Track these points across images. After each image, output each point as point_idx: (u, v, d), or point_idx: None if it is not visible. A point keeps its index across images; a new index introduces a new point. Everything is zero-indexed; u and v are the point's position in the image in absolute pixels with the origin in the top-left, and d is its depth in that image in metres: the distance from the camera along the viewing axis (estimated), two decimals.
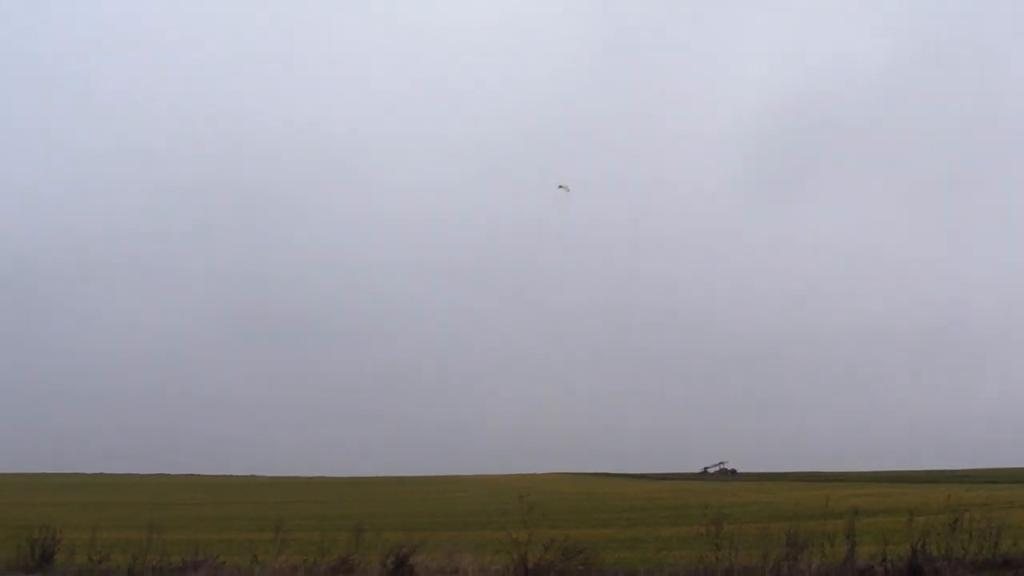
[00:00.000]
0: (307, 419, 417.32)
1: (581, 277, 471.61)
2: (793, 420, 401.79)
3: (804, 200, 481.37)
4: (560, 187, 75.01)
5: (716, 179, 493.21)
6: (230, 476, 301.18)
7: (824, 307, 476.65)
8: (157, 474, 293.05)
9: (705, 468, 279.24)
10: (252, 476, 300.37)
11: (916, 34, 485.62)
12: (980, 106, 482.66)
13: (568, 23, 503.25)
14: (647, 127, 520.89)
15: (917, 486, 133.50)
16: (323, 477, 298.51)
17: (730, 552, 35.99)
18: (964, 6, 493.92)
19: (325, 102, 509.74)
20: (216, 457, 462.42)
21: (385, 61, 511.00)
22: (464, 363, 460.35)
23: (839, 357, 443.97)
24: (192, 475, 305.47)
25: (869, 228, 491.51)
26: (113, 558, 41.17)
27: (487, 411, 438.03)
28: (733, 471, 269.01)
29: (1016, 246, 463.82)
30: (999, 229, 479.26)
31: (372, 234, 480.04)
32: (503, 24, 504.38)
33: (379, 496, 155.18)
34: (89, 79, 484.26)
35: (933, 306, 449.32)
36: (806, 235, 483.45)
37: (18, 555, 41.53)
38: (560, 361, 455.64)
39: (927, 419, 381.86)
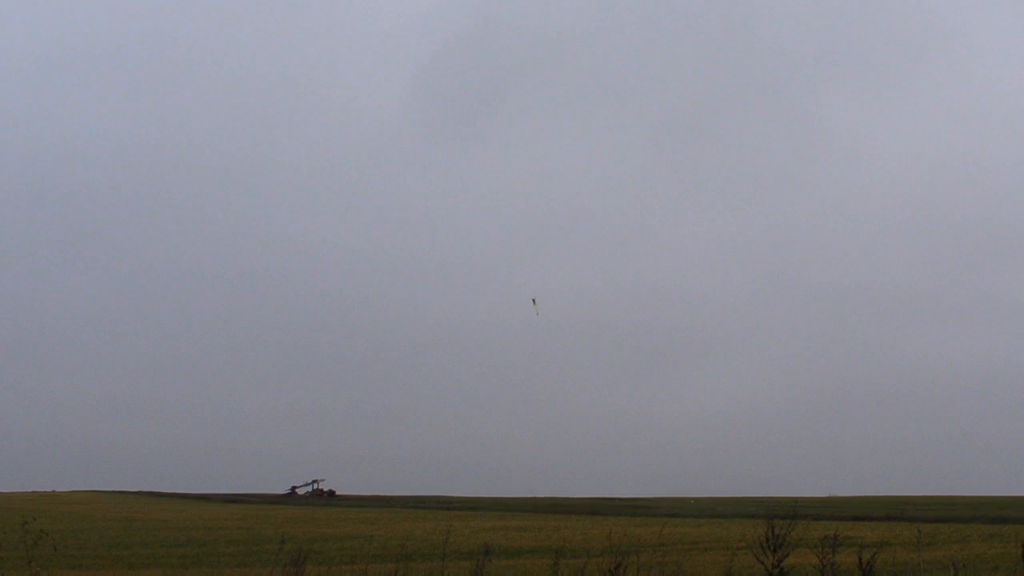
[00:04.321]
0: None
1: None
2: (418, 431, 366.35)
3: (487, 140, 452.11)
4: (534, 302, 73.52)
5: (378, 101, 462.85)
6: None
7: (484, 288, 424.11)
8: None
9: (294, 488, 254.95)
10: None
11: None
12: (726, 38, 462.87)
13: None
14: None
15: (571, 518, 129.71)
16: None
17: None
18: None
19: None
20: None
21: None
22: None
23: (497, 354, 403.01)
24: None
25: (564, 184, 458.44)
26: None
27: None
28: (331, 493, 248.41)
29: (751, 213, 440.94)
30: (731, 193, 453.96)
31: None
32: None
33: None
34: None
35: (636, 295, 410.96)
36: (482, 186, 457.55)
37: None
38: (97, 350, 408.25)
39: (587, 434, 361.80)
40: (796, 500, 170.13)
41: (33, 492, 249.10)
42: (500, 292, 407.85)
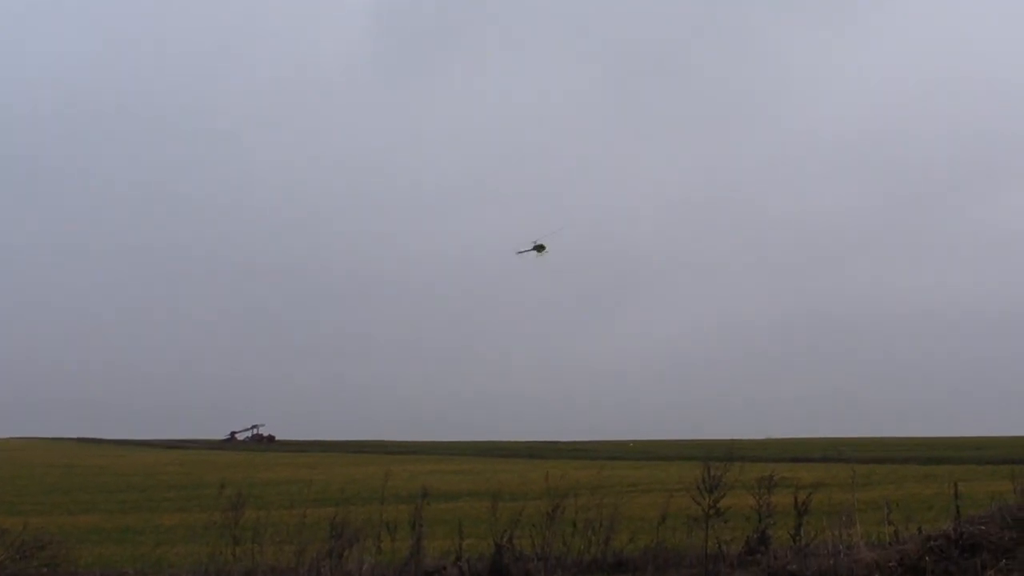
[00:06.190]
0: None
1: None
2: (357, 376, 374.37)
3: (442, 76, 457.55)
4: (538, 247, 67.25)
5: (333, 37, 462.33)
6: None
7: (426, 228, 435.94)
8: None
9: (233, 433, 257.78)
10: None
11: None
12: None
13: None
14: None
15: (510, 461, 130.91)
16: None
17: (253, 547, 29.58)
18: None
19: None
20: None
21: None
22: None
23: (436, 296, 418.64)
24: None
25: (519, 120, 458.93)
26: None
27: None
28: (270, 438, 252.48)
29: (704, 147, 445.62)
30: (684, 127, 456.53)
31: None
32: None
33: None
34: None
35: (582, 232, 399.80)
36: (436, 122, 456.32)
37: None
38: (34, 298, 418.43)
39: (527, 377, 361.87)
40: (733, 442, 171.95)
41: None
42: (442, 232, 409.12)
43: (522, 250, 67.58)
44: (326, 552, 29.26)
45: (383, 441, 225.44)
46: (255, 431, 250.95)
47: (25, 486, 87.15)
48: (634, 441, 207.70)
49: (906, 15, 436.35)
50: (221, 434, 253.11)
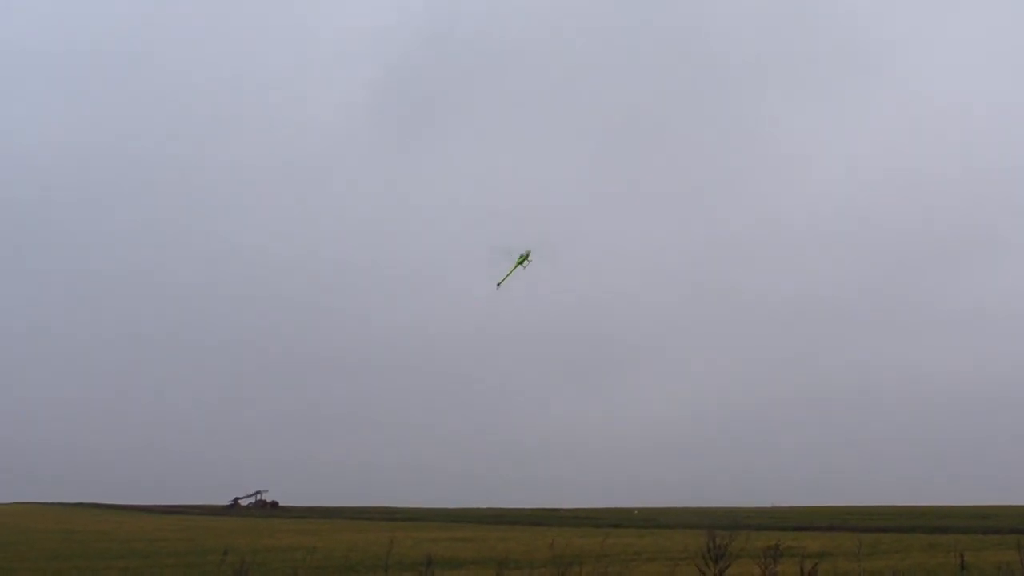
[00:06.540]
0: None
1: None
2: (353, 443, 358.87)
3: (433, 151, 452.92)
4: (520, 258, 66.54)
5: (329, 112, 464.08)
6: None
7: (425, 297, 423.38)
8: None
9: (236, 499, 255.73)
10: None
11: None
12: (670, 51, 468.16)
13: None
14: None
15: (514, 528, 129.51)
16: None
17: None
18: None
19: None
20: None
21: None
22: None
23: (440, 364, 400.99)
24: None
25: (507, 193, 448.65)
26: None
27: None
28: (273, 503, 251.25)
29: (691, 221, 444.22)
30: (671, 202, 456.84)
31: None
32: None
33: None
34: None
35: (578, 303, 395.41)
36: (427, 196, 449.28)
37: None
38: (34, 360, 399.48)
39: (528, 445, 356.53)
40: (739, 510, 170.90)
41: None
42: (441, 301, 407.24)
43: (501, 280, 67.48)
44: None
45: (387, 507, 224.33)
46: (258, 497, 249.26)
47: (25, 552, 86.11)
48: (639, 508, 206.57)
49: (889, 93, 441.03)
50: (224, 500, 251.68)
